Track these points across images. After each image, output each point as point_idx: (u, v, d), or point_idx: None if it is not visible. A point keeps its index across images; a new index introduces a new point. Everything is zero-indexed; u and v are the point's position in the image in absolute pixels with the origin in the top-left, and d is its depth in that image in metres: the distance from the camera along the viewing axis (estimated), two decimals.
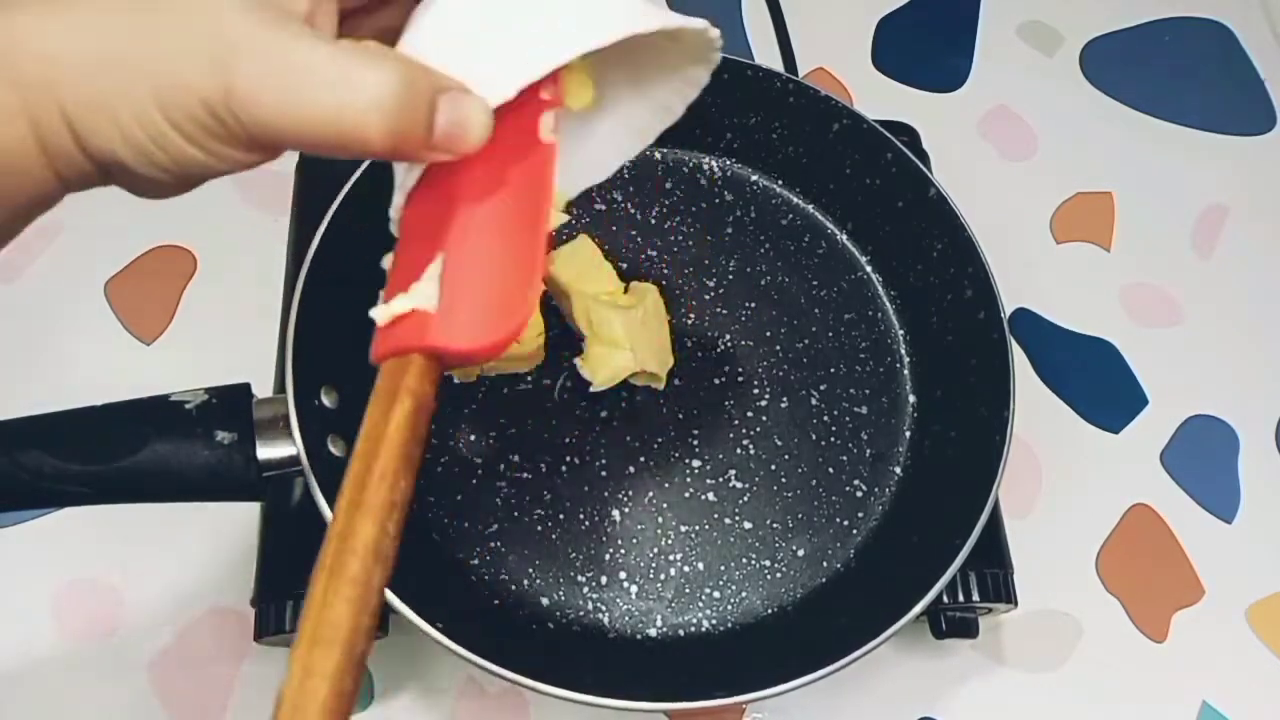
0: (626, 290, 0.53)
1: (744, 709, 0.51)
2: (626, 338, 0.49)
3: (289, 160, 0.57)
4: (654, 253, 0.57)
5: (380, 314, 0.30)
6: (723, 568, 0.49)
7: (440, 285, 0.29)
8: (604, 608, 0.47)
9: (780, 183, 0.59)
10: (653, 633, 0.47)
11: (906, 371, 0.55)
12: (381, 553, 0.27)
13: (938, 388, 0.53)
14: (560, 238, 0.54)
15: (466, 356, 0.30)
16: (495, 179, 0.30)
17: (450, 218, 0.30)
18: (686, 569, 0.49)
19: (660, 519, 0.50)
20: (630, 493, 0.50)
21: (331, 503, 0.41)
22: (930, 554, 0.45)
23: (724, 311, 0.55)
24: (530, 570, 0.48)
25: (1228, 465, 0.60)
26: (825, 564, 0.50)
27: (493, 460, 0.50)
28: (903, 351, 0.55)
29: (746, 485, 0.51)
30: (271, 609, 0.45)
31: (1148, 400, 0.61)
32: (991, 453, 0.47)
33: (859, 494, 0.51)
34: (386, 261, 0.34)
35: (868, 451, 0.52)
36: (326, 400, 0.46)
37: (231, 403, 0.41)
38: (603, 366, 0.49)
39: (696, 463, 0.51)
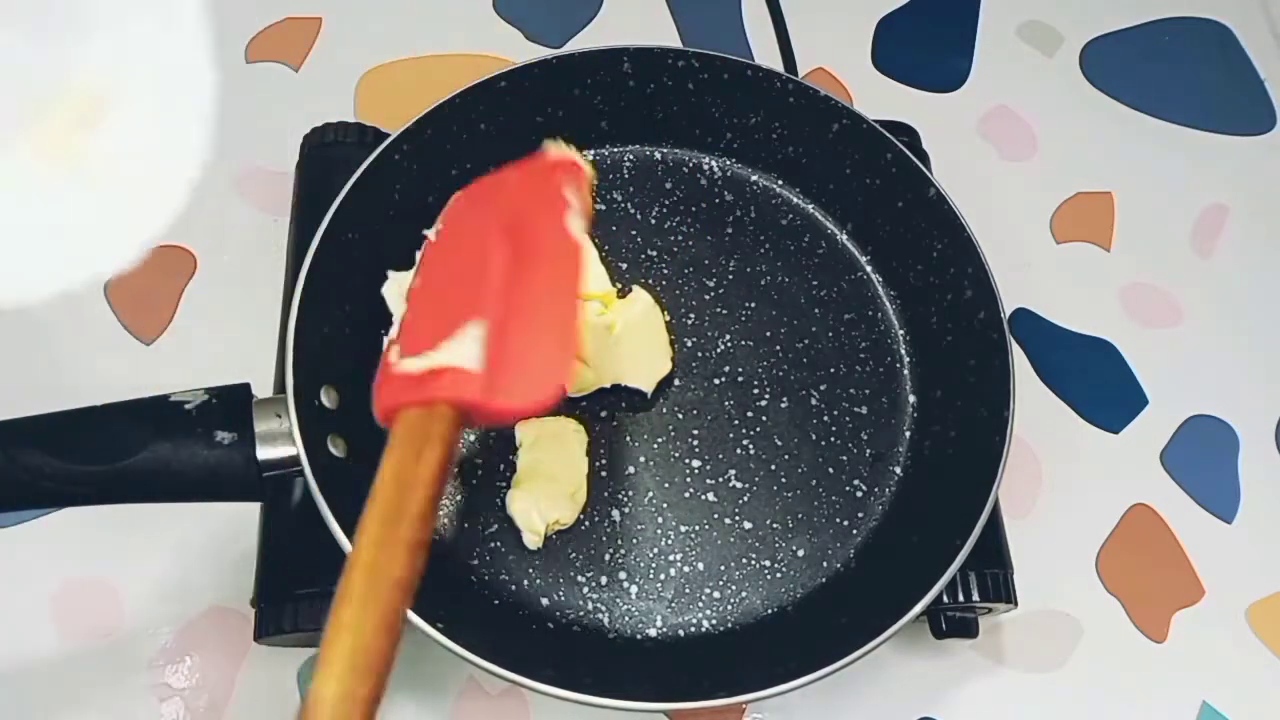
0: (621, 294, 0.53)
1: (744, 709, 0.51)
2: (590, 355, 0.49)
3: (289, 160, 0.57)
4: (654, 253, 0.57)
5: (415, 364, 0.33)
6: (723, 568, 0.49)
7: (482, 350, 0.32)
8: (604, 608, 0.47)
9: (780, 183, 0.59)
10: (653, 633, 0.47)
11: (906, 371, 0.55)
12: (412, 588, 0.29)
13: (938, 388, 0.53)
14: None
15: (512, 414, 0.33)
16: (538, 257, 0.35)
17: (486, 290, 0.34)
18: (686, 569, 0.49)
19: (660, 519, 0.50)
20: (630, 493, 0.50)
21: (331, 502, 0.41)
22: (930, 554, 0.45)
23: (724, 311, 0.55)
24: (530, 570, 0.48)
25: (1228, 465, 0.59)
26: (825, 564, 0.50)
27: (492, 460, 0.50)
28: (903, 351, 0.55)
29: (746, 485, 0.51)
30: (271, 609, 0.45)
31: (1148, 400, 0.61)
32: (991, 453, 0.47)
33: (859, 494, 0.51)
34: (387, 290, 0.35)
35: (868, 451, 0.52)
36: (326, 400, 0.46)
37: (231, 403, 0.41)
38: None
39: (696, 463, 0.51)
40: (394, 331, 0.38)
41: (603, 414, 0.51)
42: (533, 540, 0.47)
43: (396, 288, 0.45)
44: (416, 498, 0.30)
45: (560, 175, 0.39)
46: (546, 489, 0.47)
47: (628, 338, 0.51)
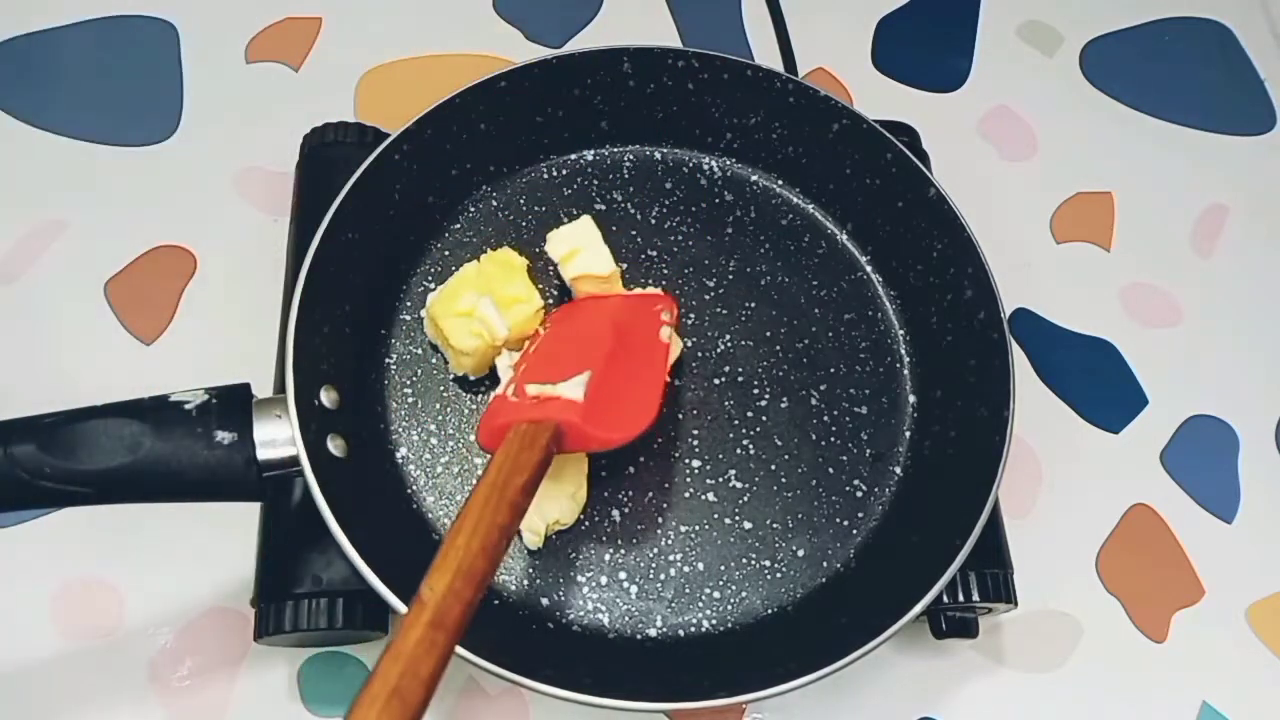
0: (621, 278, 0.53)
1: (744, 709, 0.51)
2: None
3: (289, 160, 0.57)
4: (654, 253, 0.57)
5: (534, 389, 0.44)
6: (723, 568, 0.49)
7: (585, 390, 0.44)
8: (604, 608, 0.47)
9: (780, 183, 0.59)
10: (653, 633, 0.47)
11: (906, 371, 0.55)
12: (508, 536, 0.37)
13: (938, 388, 0.53)
14: (565, 219, 0.55)
15: (598, 441, 0.45)
16: (633, 349, 0.48)
17: (598, 353, 0.46)
18: (686, 569, 0.49)
19: (660, 519, 0.50)
20: (630, 493, 0.50)
21: (331, 502, 0.41)
22: (930, 554, 0.45)
23: (724, 311, 0.55)
24: (530, 570, 0.48)
25: (1228, 465, 0.60)
26: (825, 564, 0.50)
27: None
28: (903, 351, 0.55)
29: (746, 485, 0.51)
30: (271, 609, 0.45)
31: (1148, 400, 0.61)
32: (991, 453, 0.47)
33: (859, 494, 0.51)
34: (500, 361, 0.50)
35: (868, 451, 0.52)
36: (326, 400, 0.46)
37: (231, 403, 0.41)
38: None
39: (696, 463, 0.51)
40: (504, 385, 0.48)
41: None
42: (533, 540, 0.47)
43: (507, 360, 0.50)
44: (520, 477, 0.39)
45: (659, 302, 0.52)
46: (547, 489, 0.47)
47: None
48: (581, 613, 0.47)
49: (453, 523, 0.36)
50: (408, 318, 0.53)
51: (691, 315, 0.55)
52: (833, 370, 0.54)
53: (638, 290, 0.54)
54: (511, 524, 0.38)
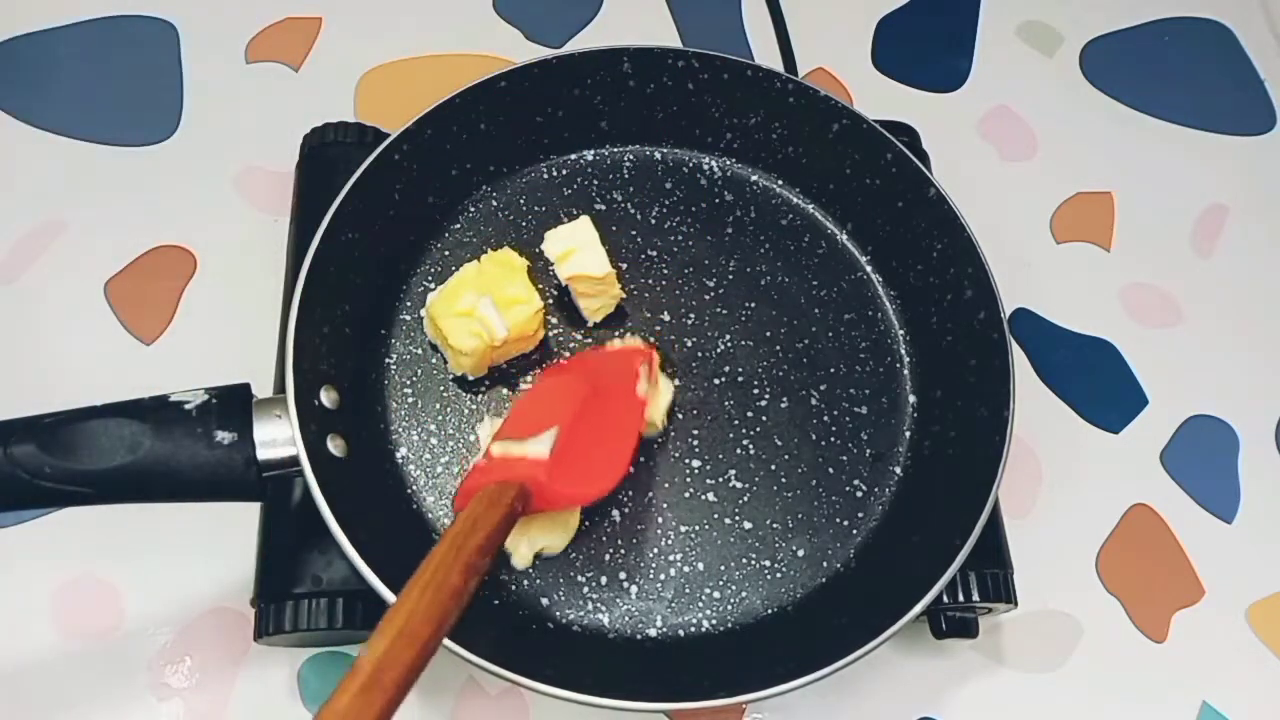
0: (620, 278, 0.53)
1: (744, 709, 0.51)
2: None
3: (289, 160, 0.57)
4: (654, 253, 0.57)
5: (499, 448, 0.44)
6: (723, 568, 0.49)
7: (551, 447, 0.43)
8: (604, 608, 0.47)
9: (780, 183, 0.59)
10: (653, 633, 0.47)
11: (906, 371, 0.55)
12: (462, 600, 0.37)
13: (938, 388, 0.53)
14: (564, 219, 0.55)
15: (563, 499, 0.45)
16: (607, 404, 0.47)
17: (567, 410, 0.46)
18: (686, 569, 0.49)
19: (660, 519, 0.50)
20: (630, 493, 0.50)
21: (331, 502, 0.41)
22: (930, 554, 0.45)
23: (724, 311, 0.55)
24: (530, 570, 0.48)
25: (1228, 465, 0.60)
26: (825, 564, 0.50)
27: None
28: (903, 351, 0.55)
29: (746, 485, 0.51)
30: (271, 609, 0.45)
31: (1148, 400, 0.61)
32: (991, 453, 0.47)
33: (859, 494, 0.51)
34: (481, 429, 0.50)
35: (868, 451, 0.52)
36: (326, 400, 0.46)
37: (231, 403, 0.41)
38: None
39: (696, 463, 0.51)
40: (483, 451, 0.47)
41: None
42: (520, 562, 0.47)
43: (488, 429, 0.49)
44: (479, 536, 0.38)
45: (638, 357, 0.50)
46: (539, 517, 0.47)
47: None
48: (581, 613, 0.47)
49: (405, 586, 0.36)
50: (408, 318, 0.53)
51: (691, 315, 0.55)
52: (833, 370, 0.54)
53: (618, 344, 0.52)
54: (465, 586, 0.37)
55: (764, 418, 0.52)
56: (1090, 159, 0.69)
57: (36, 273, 0.58)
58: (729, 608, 0.48)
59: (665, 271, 0.56)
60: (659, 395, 0.51)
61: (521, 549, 0.47)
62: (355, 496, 0.43)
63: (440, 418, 0.51)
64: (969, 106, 0.70)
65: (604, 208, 0.57)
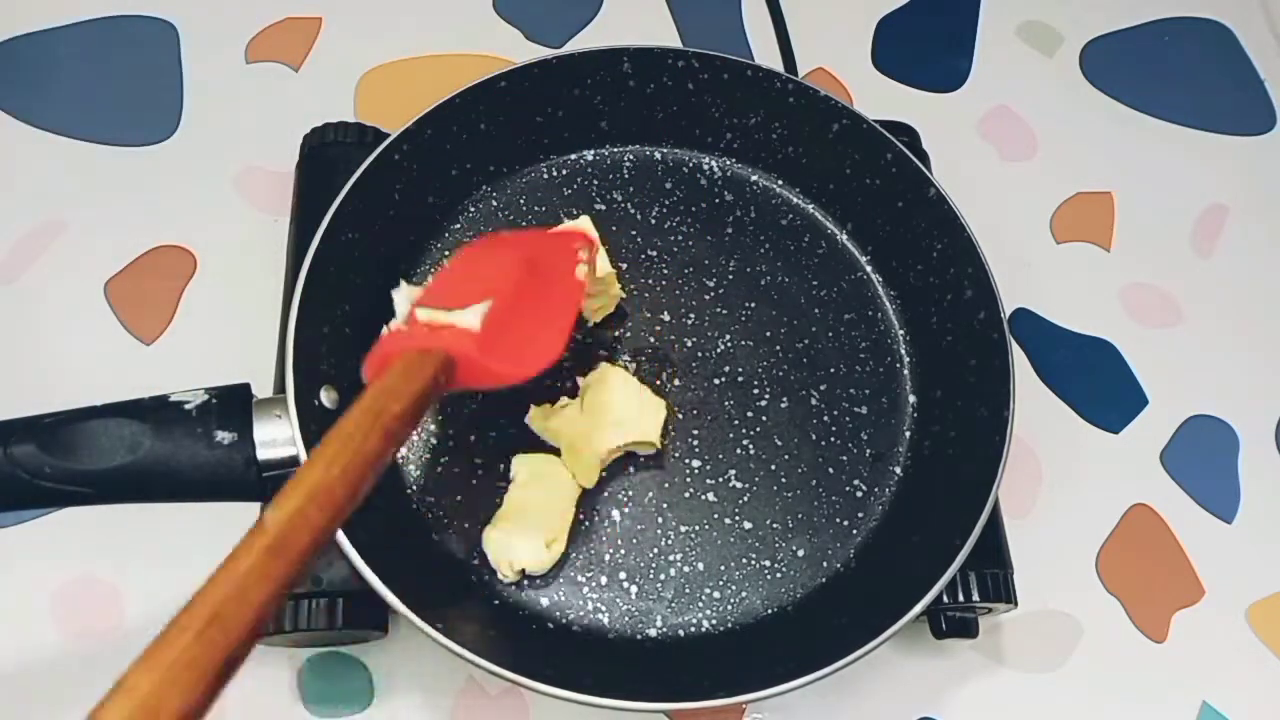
0: (582, 372, 0.51)
1: (744, 709, 0.51)
2: (569, 442, 0.49)
3: (289, 160, 0.57)
4: (654, 253, 0.57)
5: (424, 315, 0.39)
6: (723, 568, 0.49)
7: (483, 319, 0.39)
8: (604, 608, 0.47)
9: (780, 183, 0.59)
10: (653, 633, 0.47)
11: (906, 371, 0.55)
12: (375, 466, 0.33)
13: (938, 388, 0.53)
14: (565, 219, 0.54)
15: (491, 376, 0.40)
16: (544, 284, 0.45)
17: (501, 283, 0.42)
18: (686, 569, 0.49)
19: (660, 519, 0.50)
20: (630, 493, 0.50)
21: None
22: (930, 554, 0.45)
23: (724, 311, 0.55)
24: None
25: (1228, 465, 0.60)
26: (825, 564, 0.50)
27: (493, 460, 0.50)
28: (903, 351, 0.55)
29: (746, 485, 0.51)
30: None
31: (1148, 400, 0.61)
32: (991, 453, 0.47)
33: (859, 494, 0.51)
34: (398, 294, 0.45)
35: (868, 451, 0.52)
36: (326, 400, 0.46)
37: (231, 403, 0.41)
38: (580, 469, 0.49)
39: (696, 463, 0.51)
40: (399, 319, 0.43)
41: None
42: (504, 577, 0.47)
43: (406, 294, 0.46)
44: (397, 405, 0.35)
45: (577, 239, 0.49)
46: (525, 533, 0.47)
47: (614, 406, 0.49)
48: (581, 613, 0.47)
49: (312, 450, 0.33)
50: None
51: (691, 315, 0.55)
52: (833, 370, 0.54)
53: (559, 227, 0.51)
54: (383, 454, 0.34)
55: (764, 418, 0.52)
56: (1090, 159, 0.69)
57: (36, 273, 0.58)
58: (729, 608, 0.48)
59: (665, 271, 0.56)
60: (650, 415, 0.50)
61: (503, 565, 0.47)
62: None
63: (440, 418, 0.51)
64: (969, 106, 0.70)
65: (604, 208, 0.57)
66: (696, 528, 0.50)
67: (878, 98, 0.68)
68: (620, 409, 0.49)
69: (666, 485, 0.50)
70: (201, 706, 0.26)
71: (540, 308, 0.44)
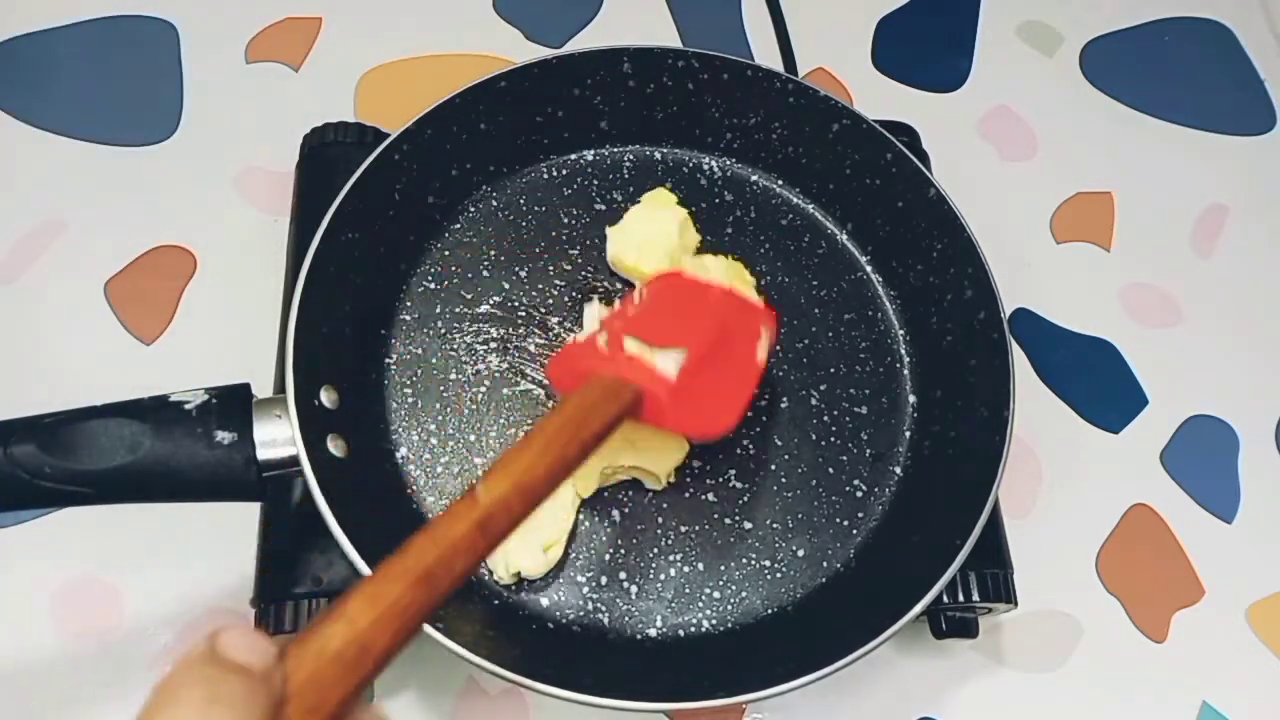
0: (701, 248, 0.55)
1: (744, 709, 0.51)
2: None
3: (289, 160, 0.57)
4: None
5: (633, 345, 0.42)
6: (723, 568, 0.49)
7: (679, 368, 0.42)
8: (604, 608, 0.47)
9: (780, 183, 0.59)
10: (653, 633, 0.47)
11: (906, 371, 0.55)
12: (570, 469, 0.36)
13: (938, 388, 0.53)
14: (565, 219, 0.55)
15: (673, 427, 0.44)
16: (731, 350, 0.46)
17: (700, 335, 0.44)
18: (686, 569, 0.49)
19: (660, 519, 0.50)
20: (630, 493, 0.50)
21: (331, 502, 0.41)
22: (930, 554, 0.45)
23: None
24: None
25: (1228, 465, 0.60)
26: (825, 564, 0.50)
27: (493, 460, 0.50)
28: (903, 351, 0.55)
29: (746, 485, 0.51)
30: (271, 609, 0.45)
31: (1148, 400, 0.61)
32: (991, 453, 0.47)
33: (859, 494, 0.51)
34: (588, 310, 0.50)
35: (868, 451, 0.52)
36: (326, 400, 0.46)
37: (231, 403, 0.41)
38: (580, 476, 0.48)
39: (696, 463, 0.51)
40: (587, 332, 0.46)
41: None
42: (500, 579, 0.47)
43: (596, 311, 0.49)
44: (596, 422, 0.38)
45: (763, 317, 0.50)
46: (522, 537, 0.46)
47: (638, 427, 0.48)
48: (581, 613, 0.47)
49: (513, 445, 0.35)
50: (408, 318, 0.53)
51: None
52: (833, 370, 0.54)
53: (746, 296, 0.51)
54: (576, 462, 0.36)
55: (764, 418, 0.52)
56: (1090, 159, 0.69)
57: (36, 273, 0.58)
58: (729, 608, 0.48)
59: None
60: (671, 453, 0.49)
61: (499, 569, 0.47)
62: (355, 496, 0.43)
63: (440, 418, 0.51)
64: (969, 106, 0.70)
65: (604, 208, 0.57)
66: (696, 528, 0.50)
67: (878, 98, 0.68)
68: (641, 432, 0.48)
69: (666, 485, 0.50)
70: (394, 653, 0.27)
71: (724, 374, 0.46)
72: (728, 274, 0.52)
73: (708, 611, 0.48)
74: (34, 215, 0.59)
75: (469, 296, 0.54)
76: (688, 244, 0.55)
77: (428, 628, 0.40)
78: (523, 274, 0.55)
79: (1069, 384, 0.61)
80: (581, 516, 0.49)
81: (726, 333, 0.47)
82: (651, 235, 0.53)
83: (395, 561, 0.29)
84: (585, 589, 0.48)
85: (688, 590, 0.48)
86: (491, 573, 0.47)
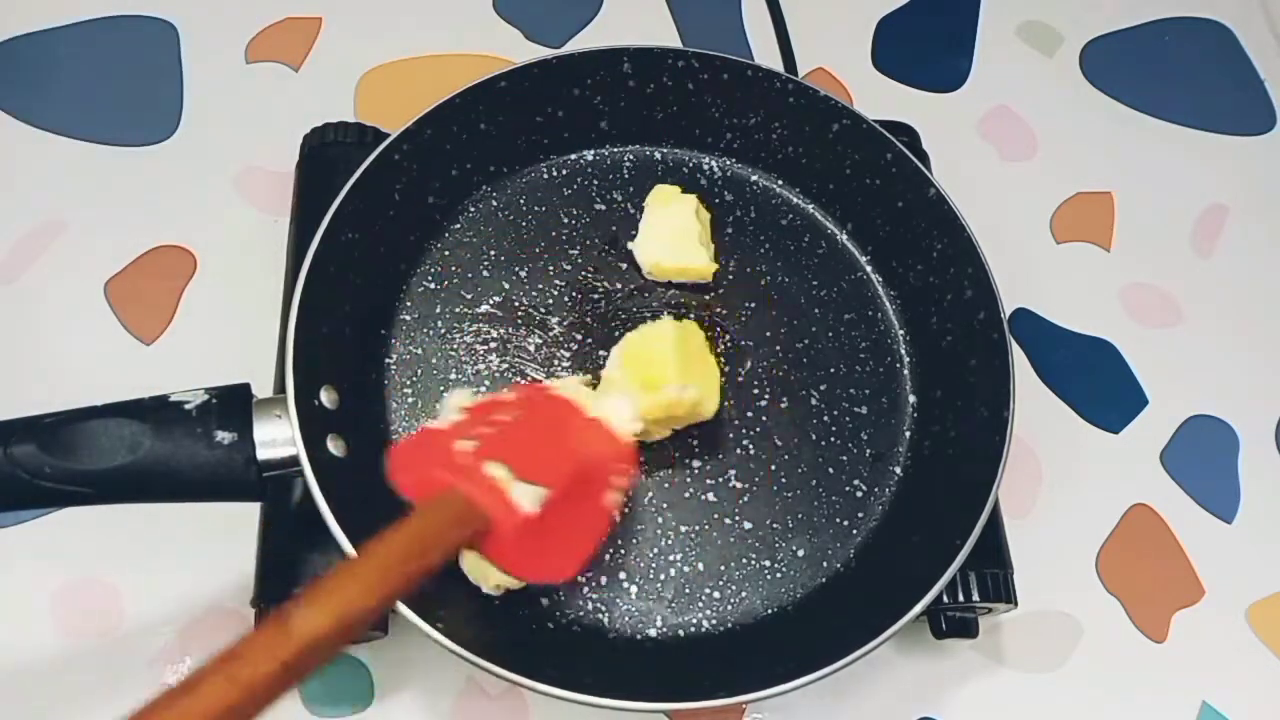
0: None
1: (744, 709, 0.51)
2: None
3: (289, 160, 0.57)
4: None
5: (496, 471, 0.39)
6: (723, 568, 0.49)
7: (538, 507, 0.39)
8: (604, 608, 0.47)
9: (780, 183, 0.59)
10: (653, 633, 0.47)
11: (906, 371, 0.55)
12: (391, 603, 0.35)
13: (938, 388, 0.53)
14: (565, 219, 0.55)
15: (511, 564, 0.41)
16: (585, 493, 0.43)
17: (561, 474, 0.41)
18: (686, 569, 0.49)
19: (660, 519, 0.50)
20: (630, 493, 0.50)
21: (331, 502, 0.41)
22: (930, 554, 0.45)
23: (724, 312, 0.55)
24: None
25: (1228, 465, 0.60)
26: (825, 564, 0.50)
27: None
28: (903, 351, 0.55)
29: (746, 485, 0.51)
30: (271, 609, 0.45)
31: (1148, 400, 0.61)
32: (991, 453, 0.47)
33: (859, 494, 0.51)
34: (447, 399, 0.45)
35: (868, 451, 0.52)
36: (326, 400, 0.46)
37: (231, 403, 0.41)
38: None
39: (696, 463, 0.51)
40: (447, 422, 0.43)
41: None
42: (487, 591, 0.46)
43: (460, 399, 0.46)
44: (437, 554, 0.36)
45: (622, 464, 0.45)
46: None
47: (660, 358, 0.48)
48: (581, 613, 0.47)
49: (348, 559, 0.33)
50: (408, 318, 0.53)
51: (691, 315, 0.55)
52: (833, 370, 0.54)
53: (606, 426, 0.46)
54: (410, 591, 0.35)
55: (764, 418, 0.52)
56: (1090, 159, 0.69)
57: (36, 273, 0.58)
58: (729, 608, 0.48)
59: None
60: (711, 376, 0.50)
61: (485, 586, 0.46)
62: (355, 496, 0.43)
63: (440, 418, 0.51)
64: (969, 106, 0.70)
65: (604, 208, 0.57)
66: (696, 528, 0.50)
67: (878, 98, 0.68)
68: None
69: (666, 485, 0.50)
70: None
71: (574, 521, 0.43)
72: (687, 213, 0.54)
73: (708, 611, 0.48)
74: (34, 215, 0.59)
75: (469, 296, 0.54)
76: (705, 223, 0.55)
77: (428, 628, 0.40)
78: (523, 274, 0.55)
79: (1069, 384, 0.61)
80: None
81: (584, 477, 0.44)
82: (675, 230, 0.54)
83: (180, 697, 0.27)
84: (585, 589, 0.48)
85: (688, 590, 0.48)
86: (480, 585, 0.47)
